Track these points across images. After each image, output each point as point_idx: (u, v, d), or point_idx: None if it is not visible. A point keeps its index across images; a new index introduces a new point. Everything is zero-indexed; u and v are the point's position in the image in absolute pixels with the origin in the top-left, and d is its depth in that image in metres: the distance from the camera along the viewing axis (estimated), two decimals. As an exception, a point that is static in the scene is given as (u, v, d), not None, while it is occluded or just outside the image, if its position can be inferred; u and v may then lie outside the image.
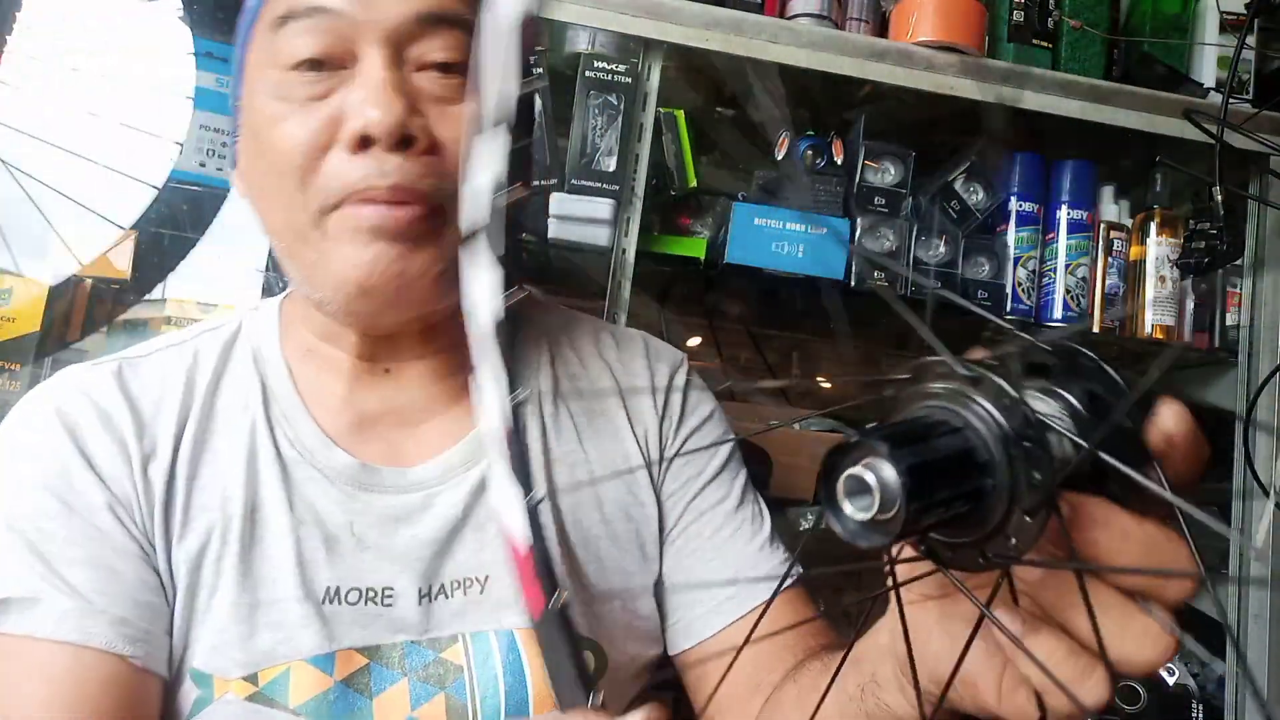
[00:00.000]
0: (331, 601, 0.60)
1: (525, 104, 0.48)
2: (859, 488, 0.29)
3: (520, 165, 0.51)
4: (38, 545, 0.56)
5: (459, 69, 0.57)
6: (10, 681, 0.54)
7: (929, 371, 0.32)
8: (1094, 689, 0.32)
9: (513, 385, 0.56)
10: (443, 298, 0.59)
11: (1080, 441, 0.30)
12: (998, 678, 0.36)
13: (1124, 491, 0.31)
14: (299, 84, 0.56)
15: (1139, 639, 0.32)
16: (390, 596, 0.61)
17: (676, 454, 0.71)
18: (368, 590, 0.60)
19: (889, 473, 0.28)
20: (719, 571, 0.68)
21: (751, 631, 0.65)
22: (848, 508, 0.29)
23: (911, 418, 0.32)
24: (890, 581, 0.37)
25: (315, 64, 0.56)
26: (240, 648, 0.58)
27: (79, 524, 0.57)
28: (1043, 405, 0.32)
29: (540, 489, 0.63)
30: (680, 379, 0.74)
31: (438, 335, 0.65)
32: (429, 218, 0.56)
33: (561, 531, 0.66)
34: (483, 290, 0.56)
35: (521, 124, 0.48)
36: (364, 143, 0.55)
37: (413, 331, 0.63)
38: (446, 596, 0.62)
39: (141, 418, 0.61)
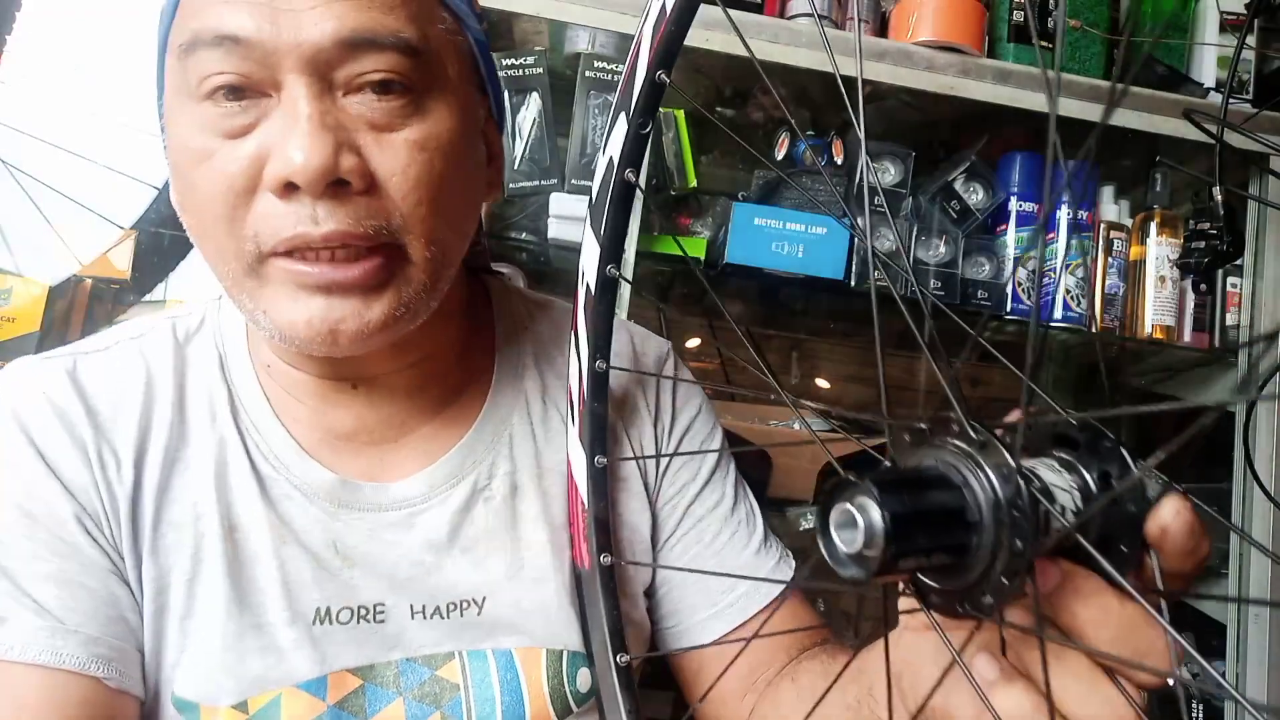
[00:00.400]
0: (323, 622, 0.57)
1: (652, 93, 0.51)
2: (849, 522, 0.31)
3: (638, 151, 0.53)
4: (0, 561, 0.52)
5: (399, 87, 0.50)
6: None
7: (945, 426, 0.34)
8: None
9: (600, 353, 0.58)
10: (404, 330, 0.54)
11: (1055, 516, 0.33)
12: (973, 718, 0.37)
13: (1121, 572, 0.33)
14: (217, 116, 0.49)
15: (1101, 707, 0.33)
16: (382, 613, 0.58)
17: (671, 458, 0.70)
18: (359, 608, 0.58)
19: (876, 515, 0.30)
20: (719, 577, 0.67)
21: (750, 639, 0.64)
22: (836, 538, 0.32)
23: (915, 467, 0.34)
24: (884, 609, 0.39)
25: (234, 91, 0.49)
26: (229, 675, 0.55)
27: (44, 537, 0.53)
28: (1055, 477, 0.34)
29: (605, 456, 0.61)
30: (668, 372, 0.72)
31: (409, 350, 0.60)
32: (382, 265, 0.51)
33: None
34: (588, 261, 0.57)
35: (643, 111, 0.52)
36: (290, 187, 0.48)
37: (380, 349, 0.57)
38: (442, 617, 0.59)
39: (99, 419, 0.56)
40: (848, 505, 0.31)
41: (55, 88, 1.27)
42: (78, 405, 0.57)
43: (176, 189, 0.54)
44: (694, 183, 1.23)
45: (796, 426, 1.40)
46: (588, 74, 1.17)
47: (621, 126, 0.53)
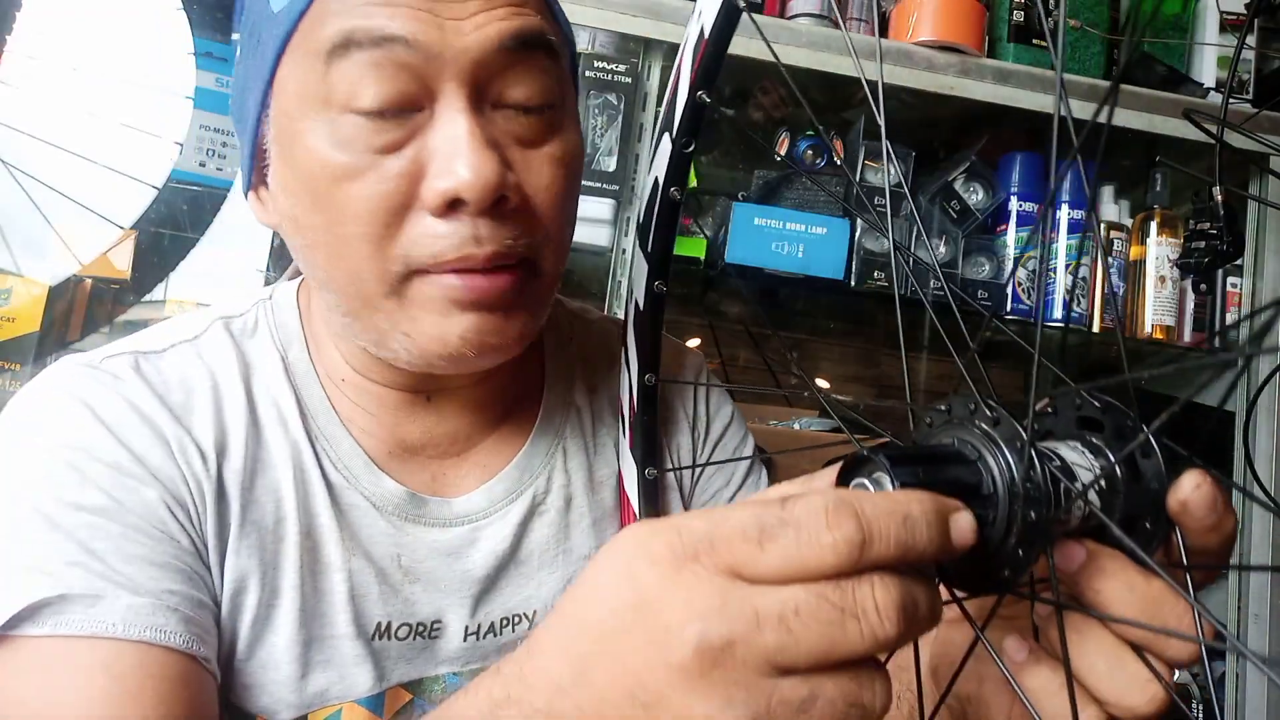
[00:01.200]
0: (382, 637, 0.56)
1: (694, 113, 0.51)
2: None
3: (681, 169, 0.53)
4: (89, 543, 0.50)
5: (537, 109, 0.51)
6: (65, 686, 0.47)
7: (962, 406, 0.35)
8: None
9: (649, 367, 0.59)
10: (529, 341, 0.55)
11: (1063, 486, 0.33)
12: (1008, 706, 0.38)
13: (1146, 549, 0.34)
14: (367, 131, 0.48)
15: (1128, 684, 0.33)
16: (439, 628, 0.58)
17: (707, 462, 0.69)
18: (417, 624, 0.57)
19: (888, 488, 0.31)
20: None
21: None
22: None
23: (931, 444, 0.35)
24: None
25: (383, 107, 0.48)
26: (292, 689, 0.54)
27: (135, 521, 0.51)
28: (1078, 457, 0.34)
29: (655, 467, 0.62)
30: (703, 381, 0.72)
31: None
32: (519, 279, 0.51)
33: None
34: (637, 278, 0.58)
35: (685, 132, 0.52)
36: (454, 204, 0.48)
37: None
38: (495, 634, 0.59)
39: (175, 413, 0.55)
40: (864, 480, 0.32)
41: (55, 88, 1.28)
42: (152, 399, 0.54)
43: (303, 205, 0.51)
44: (694, 183, 1.23)
45: (797, 426, 1.40)
46: (588, 74, 1.17)
47: (666, 147, 0.54)
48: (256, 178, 0.55)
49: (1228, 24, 1.35)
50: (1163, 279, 1.32)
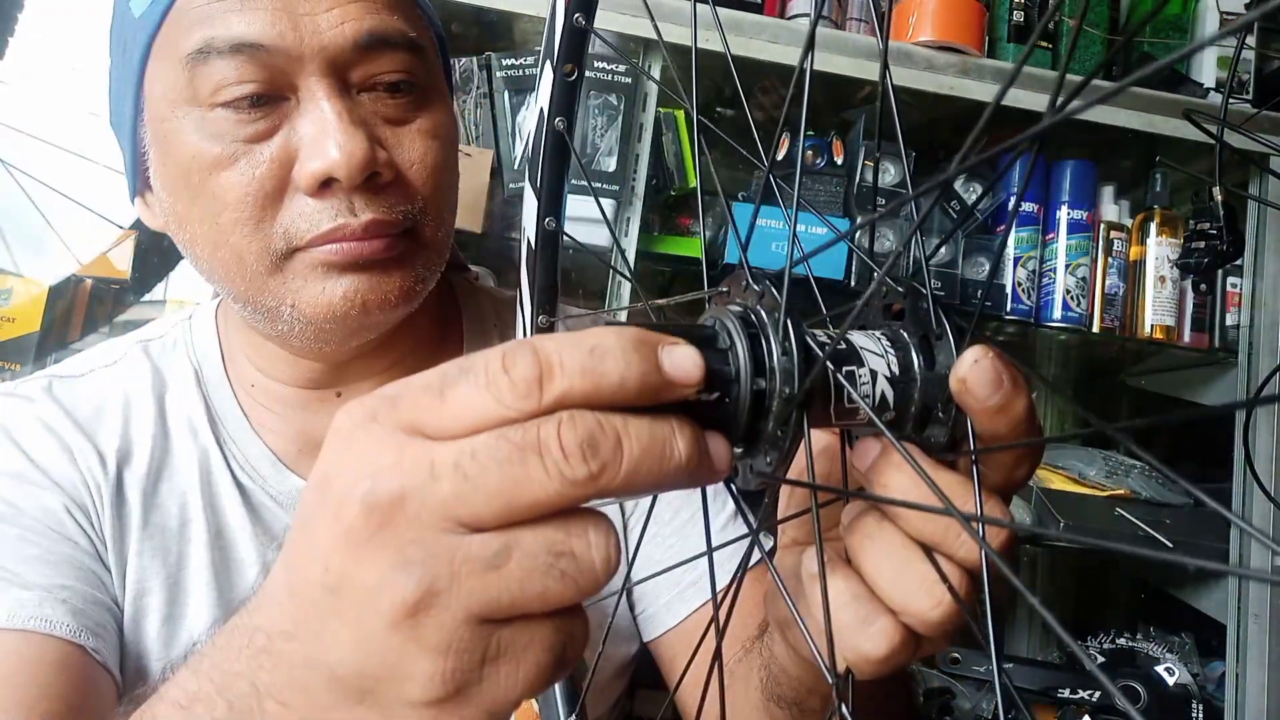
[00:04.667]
0: None
1: (573, 39, 0.52)
2: None
3: (566, 98, 0.54)
4: None
5: (406, 86, 0.53)
6: None
7: (736, 285, 0.33)
8: (875, 636, 0.32)
9: (545, 308, 0.58)
10: (413, 306, 0.56)
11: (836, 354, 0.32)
12: (815, 625, 0.36)
13: (939, 436, 0.32)
14: (234, 123, 0.50)
15: (916, 587, 0.31)
16: None
17: None
18: None
19: None
20: (681, 557, 0.65)
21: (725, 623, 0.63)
22: None
23: (673, 325, 0.32)
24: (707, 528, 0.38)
25: (249, 97, 0.50)
26: None
27: (31, 524, 0.54)
28: (870, 342, 0.32)
29: None
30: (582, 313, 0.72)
31: (390, 349, 0.61)
32: (400, 240, 0.53)
33: None
34: (528, 217, 0.58)
35: (566, 58, 0.53)
36: (327, 184, 0.50)
37: (366, 349, 0.59)
38: None
39: (82, 426, 0.58)
40: None
41: (55, 88, 1.27)
42: (59, 414, 0.59)
43: (182, 199, 0.53)
44: (694, 183, 1.23)
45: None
46: (587, 74, 1.16)
47: (548, 75, 0.54)
48: (141, 182, 0.58)
49: (1228, 24, 1.35)
50: (1163, 279, 1.32)
